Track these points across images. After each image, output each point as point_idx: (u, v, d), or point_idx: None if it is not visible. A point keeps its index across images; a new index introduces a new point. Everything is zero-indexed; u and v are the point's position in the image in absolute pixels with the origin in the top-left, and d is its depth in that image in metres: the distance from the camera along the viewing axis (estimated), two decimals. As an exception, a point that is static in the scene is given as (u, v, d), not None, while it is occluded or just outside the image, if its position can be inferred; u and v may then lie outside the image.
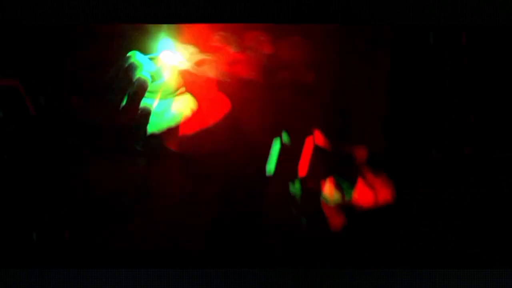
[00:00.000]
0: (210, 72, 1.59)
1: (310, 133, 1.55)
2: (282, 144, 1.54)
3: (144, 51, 1.52)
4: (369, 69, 1.66)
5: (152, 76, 1.53)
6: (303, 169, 1.53)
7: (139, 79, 1.49)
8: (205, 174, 1.69)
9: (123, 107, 1.50)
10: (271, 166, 1.54)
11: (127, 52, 1.51)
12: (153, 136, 1.56)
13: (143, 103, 1.52)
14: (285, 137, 1.54)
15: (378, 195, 1.54)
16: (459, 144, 1.65)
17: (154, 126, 1.56)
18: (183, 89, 1.62)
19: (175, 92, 1.60)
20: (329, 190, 1.54)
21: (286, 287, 1.67)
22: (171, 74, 1.58)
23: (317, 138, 1.53)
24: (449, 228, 1.62)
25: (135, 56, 1.50)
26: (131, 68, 1.48)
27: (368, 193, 1.54)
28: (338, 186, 1.54)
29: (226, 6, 1.68)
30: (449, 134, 1.66)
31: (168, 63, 1.56)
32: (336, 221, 1.61)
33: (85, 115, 1.62)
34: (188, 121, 1.61)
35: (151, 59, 1.51)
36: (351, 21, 1.64)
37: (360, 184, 1.54)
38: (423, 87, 1.65)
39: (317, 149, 1.53)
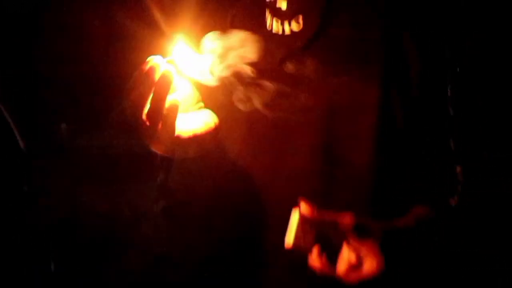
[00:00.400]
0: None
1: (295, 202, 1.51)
2: (301, 215, 1.49)
3: (162, 55, 1.47)
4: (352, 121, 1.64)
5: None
6: (289, 242, 1.50)
7: (162, 74, 1.43)
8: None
9: (147, 113, 1.43)
10: (289, 238, 1.49)
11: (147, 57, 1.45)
12: (179, 139, 1.50)
13: (169, 99, 1.45)
14: (303, 207, 1.49)
15: (365, 264, 1.50)
16: (445, 196, 1.65)
17: (180, 129, 1.50)
18: (201, 104, 1.58)
19: (193, 107, 1.56)
20: (314, 259, 1.52)
21: None
22: (189, 86, 1.54)
23: (302, 209, 1.49)
24: None
25: (154, 60, 1.44)
26: (152, 70, 1.43)
27: (354, 262, 1.50)
28: (323, 256, 1.52)
29: None
30: (435, 186, 1.65)
31: (185, 73, 1.51)
32: None
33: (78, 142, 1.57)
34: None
35: (168, 62, 1.46)
36: None
37: (345, 253, 1.51)
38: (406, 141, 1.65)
39: (303, 220, 1.49)
